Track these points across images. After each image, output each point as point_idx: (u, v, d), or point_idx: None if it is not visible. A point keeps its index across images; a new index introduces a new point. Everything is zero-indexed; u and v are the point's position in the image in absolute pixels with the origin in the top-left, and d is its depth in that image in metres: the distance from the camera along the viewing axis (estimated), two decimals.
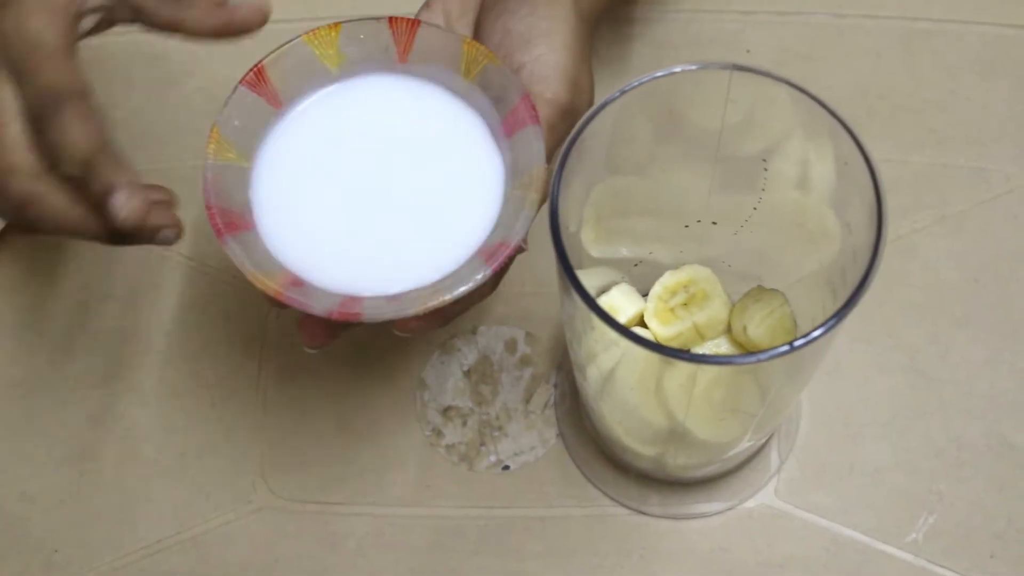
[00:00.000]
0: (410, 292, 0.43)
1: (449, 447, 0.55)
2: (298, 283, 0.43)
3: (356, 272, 0.44)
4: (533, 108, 0.44)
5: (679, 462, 0.52)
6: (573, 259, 0.39)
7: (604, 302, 0.50)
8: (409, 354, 0.57)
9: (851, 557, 0.52)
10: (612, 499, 0.54)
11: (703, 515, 0.53)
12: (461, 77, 0.46)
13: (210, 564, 0.54)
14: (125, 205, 0.40)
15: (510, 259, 0.42)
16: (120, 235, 0.41)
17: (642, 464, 0.54)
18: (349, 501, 0.54)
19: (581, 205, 0.44)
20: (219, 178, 0.44)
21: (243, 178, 0.45)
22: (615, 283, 0.51)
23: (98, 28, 0.46)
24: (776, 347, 0.37)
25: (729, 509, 0.53)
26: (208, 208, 0.43)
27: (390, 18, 0.47)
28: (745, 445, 0.50)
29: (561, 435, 0.56)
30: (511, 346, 0.58)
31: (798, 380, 0.45)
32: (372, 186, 0.46)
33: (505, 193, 0.45)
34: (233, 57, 0.65)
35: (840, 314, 0.37)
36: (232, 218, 0.44)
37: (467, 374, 0.57)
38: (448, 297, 0.41)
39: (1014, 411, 0.55)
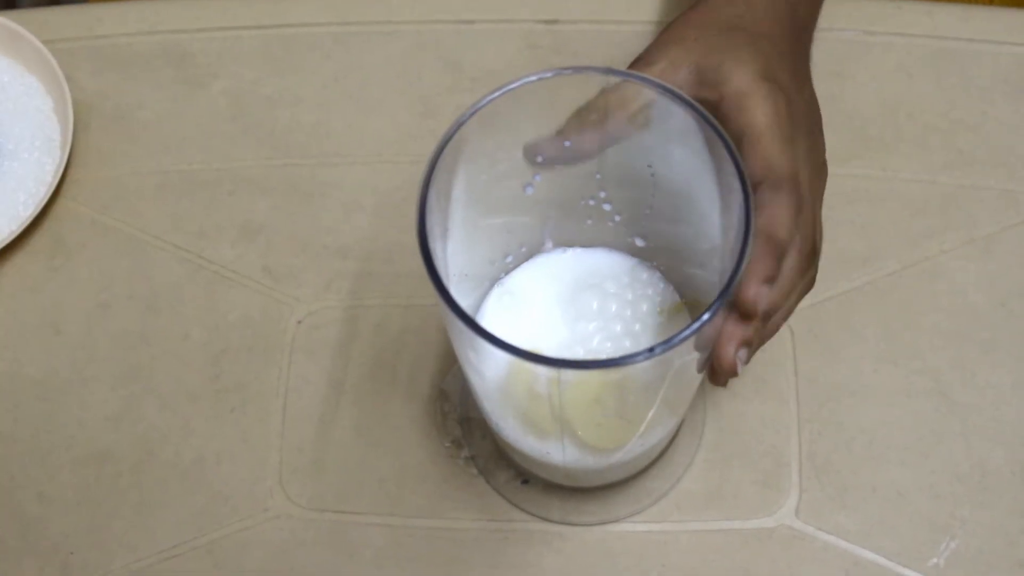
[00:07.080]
0: None
1: (468, 459, 0.55)
2: None
3: None
4: None
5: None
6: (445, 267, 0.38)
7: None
8: (430, 364, 0.57)
9: None
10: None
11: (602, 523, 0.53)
12: None
13: (226, 570, 0.53)
14: None
15: None
16: None
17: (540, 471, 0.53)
18: (367, 511, 0.54)
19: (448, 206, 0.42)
20: None
21: None
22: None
23: None
24: (636, 352, 0.36)
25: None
26: None
27: None
28: (639, 450, 0.49)
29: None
30: None
31: (670, 389, 0.44)
32: None
33: None
34: (258, 60, 0.66)
35: (692, 325, 0.36)
36: None
37: None
38: None
39: None
